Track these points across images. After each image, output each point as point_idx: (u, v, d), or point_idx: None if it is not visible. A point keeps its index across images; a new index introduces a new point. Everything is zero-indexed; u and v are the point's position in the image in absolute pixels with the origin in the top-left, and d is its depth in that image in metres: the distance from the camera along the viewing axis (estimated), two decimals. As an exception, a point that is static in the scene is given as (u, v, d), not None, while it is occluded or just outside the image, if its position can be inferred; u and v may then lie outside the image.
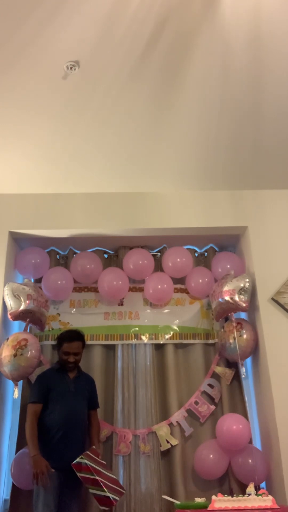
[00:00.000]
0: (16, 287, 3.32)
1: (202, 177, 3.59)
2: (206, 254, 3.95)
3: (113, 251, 3.93)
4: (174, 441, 3.31)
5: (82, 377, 3.16)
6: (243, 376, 3.44)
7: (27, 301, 3.25)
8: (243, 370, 3.38)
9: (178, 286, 3.78)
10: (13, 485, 3.11)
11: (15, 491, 3.11)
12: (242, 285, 3.35)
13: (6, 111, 2.87)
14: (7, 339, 3.20)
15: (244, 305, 3.32)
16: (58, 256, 3.89)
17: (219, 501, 2.36)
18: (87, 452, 2.78)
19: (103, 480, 2.64)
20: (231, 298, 3.32)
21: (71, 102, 2.83)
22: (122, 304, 3.71)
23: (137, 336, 3.60)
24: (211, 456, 3.15)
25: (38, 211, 3.63)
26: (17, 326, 3.60)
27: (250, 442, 3.20)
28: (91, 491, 2.66)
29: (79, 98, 2.80)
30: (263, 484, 3.16)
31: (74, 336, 3.12)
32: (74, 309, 3.69)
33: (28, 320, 3.31)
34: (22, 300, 3.26)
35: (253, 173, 3.54)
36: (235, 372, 3.51)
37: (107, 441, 3.32)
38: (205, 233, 3.70)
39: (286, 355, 3.22)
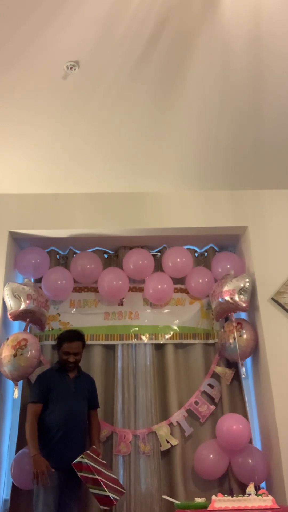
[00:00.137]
0: (16, 287, 3.32)
1: (202, 177, 3.59)
2: (206, 254, 3.96)
3: (113, 251, 3.93)
4: (174, 441, 3.31)
5: (82, 377, 3.16)
6: (243, 376, 3.44)
7: (27, 301, 3.25)
8: (243, 370, 3.38)
9: (178, 286, 3.78)
10: (13, 485, 3.11)
11: (15, 491, 3.11)
12: (242, 285, 3.35)
13: (6, 111, 2.87)
14: (7, 339, 3.20)
15: (244, 305, 3.32)
16: (58, 256, 3.89)
17: (219, 501, 2.36)
18: (88, 451, 2.78)
19: (103, 480, 2.64)
20: (231, 298, 3.32)
21: (71, 102, 2.83)
22: (122, 304, 3.71)
23: (137, 336, 3.60)
24: (211, 456, 3.15)
25: (38, 211, 3.63)
26: (17, 326, 3.60)
27: (250, 442, 3.20)
28: (91, 490, 2.66)
29: (79, 98, 2.80)
30: (263, 484, 3.16)
31: (74, 336, 3.12)
32: (74, 309, 3.69)
33: (28, 320, 3.31)
34: (22, 300, 3.26)
35: (253, 173, 3.54)
36: (235, 372, 3.51)
37: (107, 441, 3.32)
38: (205, 233, 3.70)
39: (286, 355, 3.22)
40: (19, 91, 2.73)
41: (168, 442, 3.30)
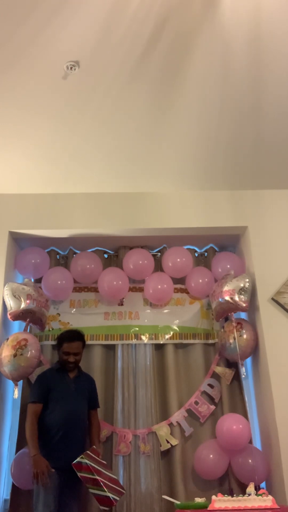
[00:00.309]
0: (16, 287, 3.32)
1: (202, 177, 3.59)
2: (206, 254, 3.96)
3: (113, 251, 3.93)
4: (174, 441, 3.31)
5: (82, 377, 3.16)
6: (243, 376, 3.44)
7: (27, 301, 3.25)
8: (243, 370, 3.38)
9: (178, 286, 3.78)
10: (13, 485, 3.11)
11: (15, 491, 3.11)
12: (242, 285, 3.35)
13: (6, 111, 2.87)
14: (7, 339, 3.20)
15: (244, 305, 3.32)
16: (58, 256, 3.89)
17: (219, 501, 2.36)
18: (88, 451, 2.78)
19: (103, 480, 2.64)
20: (231, 298, 3.32)
21: (71, 102, 2.83)
22: (122, 304, 3.71)
23: (137, 336, 3.60)
24: (211, 456, 3.15)
25: (38, 211, 3.63)
26: (17, 326, 3.60)
27: (250, 442, 3.20)
28: (91, 491, 2.66)
29: (79, 98, 2.80)
30: (263, 484, 3.16)
31: (74, 336, 3.11)
32: (74, 309, 3.69)
33: (28, 320, 3.31)
34: (22, 300, 3.26)
35: (253, 173, 3.54)
36: (235, 372, 3.51)
37: (107, 441, 3.32)
38: (205, 233, 3.70)
39: (286, 355, 3.22)
40: (19, 91, 2.73)
41: (168, 442, 3.30)
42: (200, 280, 3.67)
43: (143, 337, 3.60)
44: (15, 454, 3.17)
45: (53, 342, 3.46)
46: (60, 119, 2.95)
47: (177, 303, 3.75)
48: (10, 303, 3.27)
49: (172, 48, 2.48)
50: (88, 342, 3.43)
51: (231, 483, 3.21)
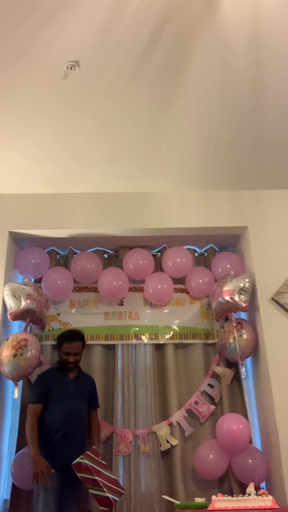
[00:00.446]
0: (16, 287, 3.32)
1: (202, 177, 3.59)
2: (206, 254, 3.96)
3: (113, 251, 3.93)
4: (174, 441, 3.31)
5: (82, 377, 3.16)
6: (243, 376, 3.44)
7: (27, 301, 3.25)
8: (243, 370, 3.38)
9: (178, 286, 3.78)
10: (13, 485, 3.11)
11: (15, 491, 3.11)
12: (242, 285, 3.35)
13: (6, 111, 2.87)
14: (7, 339, 3.20)
15: (244, 305, 3.32)
16: (58, 256, 3.89)
17: (219, 501, 2.36)
18: (87, 452, 2.78)
19: (102, 481, 2.64)
20: (231, 298, 3.32)
21: (71, 102, 2.83)
22: (122, 304, 3.71)
23: (137, 336, 3.60)
24: (211, 456, 3.15)
25: (38, 211, 3.64)
26: (17, 326, 3.60)
27: (250, 442, 3.20)
28: (90, 491, 2.66)
29: (79, 98, 2.80)
30: (263, 484, 3.16)
31: (74, 336, 3.11)
32: (74, 309, 3.69)
33: (28, 320, 3.31)
34: (22, 300, 3.26)
35: (253, 173, 3.54)
36: (235, 372, 3.51)
37: (107, 441, 3.32)
38: (205, 233, 3.70)
39: (286, 355, 3.22)
40: (19, 91, 2.73)
41: (168, 442, 3.30)
42: (200, 280, 3.67)
43: (143, 337, 3.60)
44: (15, 454, 3.17)
45: (53, 342, 3.46)
46: (60, 119, 2.95)
47: (177, 303, 3.75)
48: (10, 303, 3.27)
49: (172, 48, 2.48)
50: (88, 342, 3.43)
51: (231, 483, 3.21)
